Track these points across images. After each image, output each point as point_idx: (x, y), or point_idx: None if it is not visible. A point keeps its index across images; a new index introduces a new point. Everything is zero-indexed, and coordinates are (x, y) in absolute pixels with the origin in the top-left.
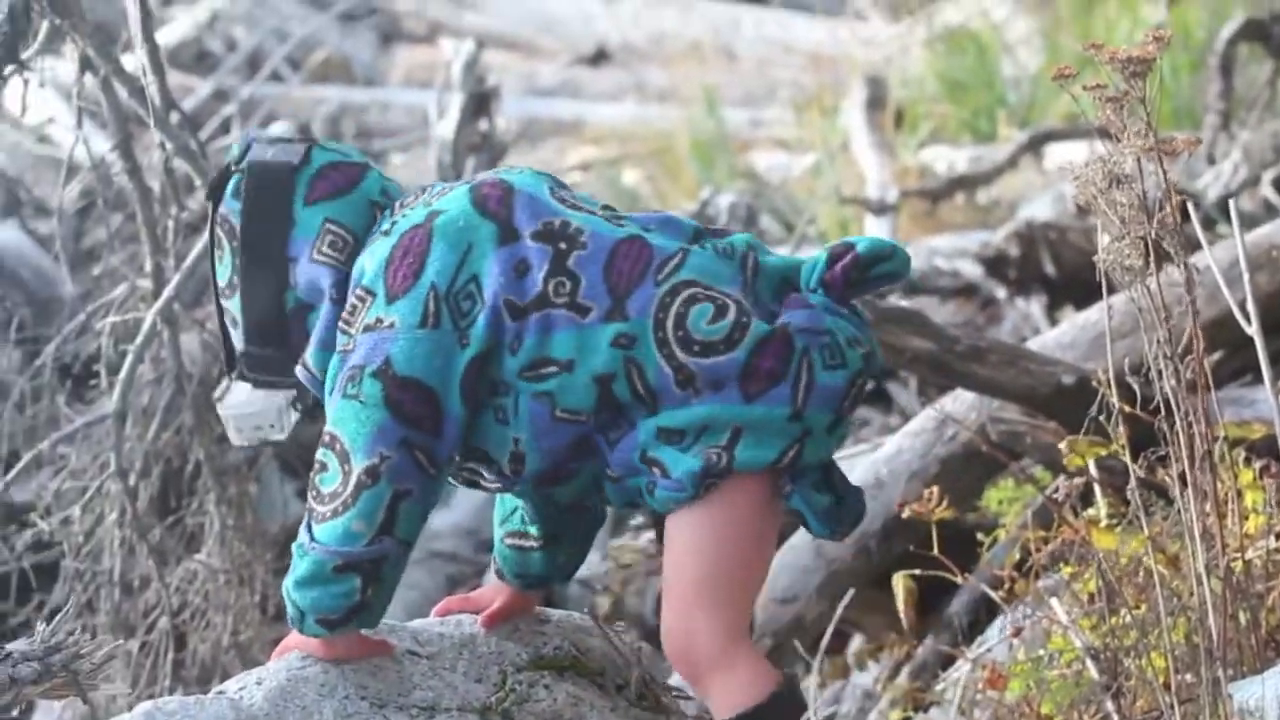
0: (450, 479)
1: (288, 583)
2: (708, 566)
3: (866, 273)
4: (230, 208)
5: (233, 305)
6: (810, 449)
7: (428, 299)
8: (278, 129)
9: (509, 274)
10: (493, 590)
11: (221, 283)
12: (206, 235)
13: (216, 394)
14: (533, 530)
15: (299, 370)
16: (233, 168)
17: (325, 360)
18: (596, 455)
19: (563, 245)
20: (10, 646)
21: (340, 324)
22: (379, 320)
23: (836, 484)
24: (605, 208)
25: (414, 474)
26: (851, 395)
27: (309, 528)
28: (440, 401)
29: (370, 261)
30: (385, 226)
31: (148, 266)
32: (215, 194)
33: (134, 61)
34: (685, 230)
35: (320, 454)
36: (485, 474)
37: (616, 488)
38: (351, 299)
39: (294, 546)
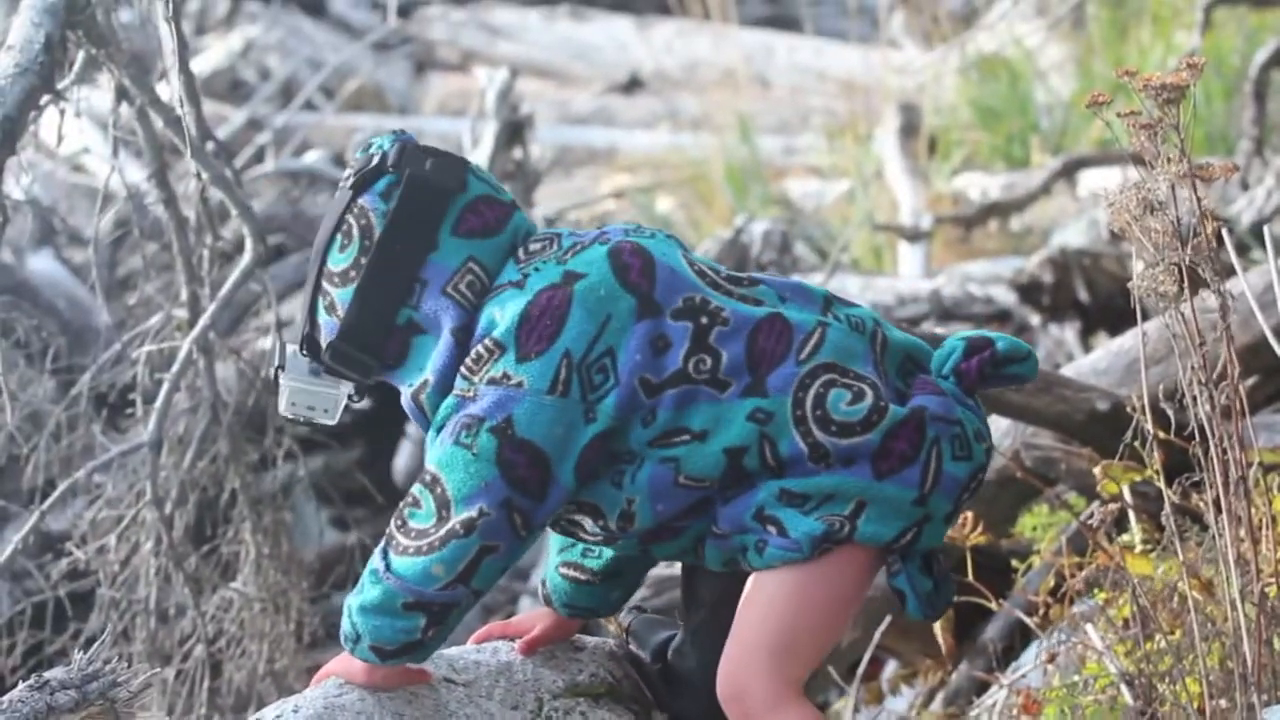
0: (551, 528)
1: (352, 602)
2: (789, 624)
3: (998, 370)
4: (374, 205)
5: (340, 295)
6: (927, 534)
7: (560, 365)
8: (312, 157)
9: (646, 351)
10: (532, 617)
11: (334, 268)
12: (333, 216)
13: (277, 360)
14: (591, 565)
15: (407, 404)
16: (389, 167)
17: (437, 397)
18: (708, 514)
19: (704, 320)
20: (48, 674)
21: (462, 369)
22: (506, 376)
23: (935, 571)
24: (729, 277)
25: (506, 534)
26: (971, 488)
27: (386, 555)
28: (552, 469)
29: (501, 313)
30: (516, 277)
31: (183, 295)
32: (360, 184)
33: (169, 91)
34: (816, 299)
35: (416, 489)
36: (588, 526)
37: (718, 545)
38: (478, 348)
39: (367, 570)
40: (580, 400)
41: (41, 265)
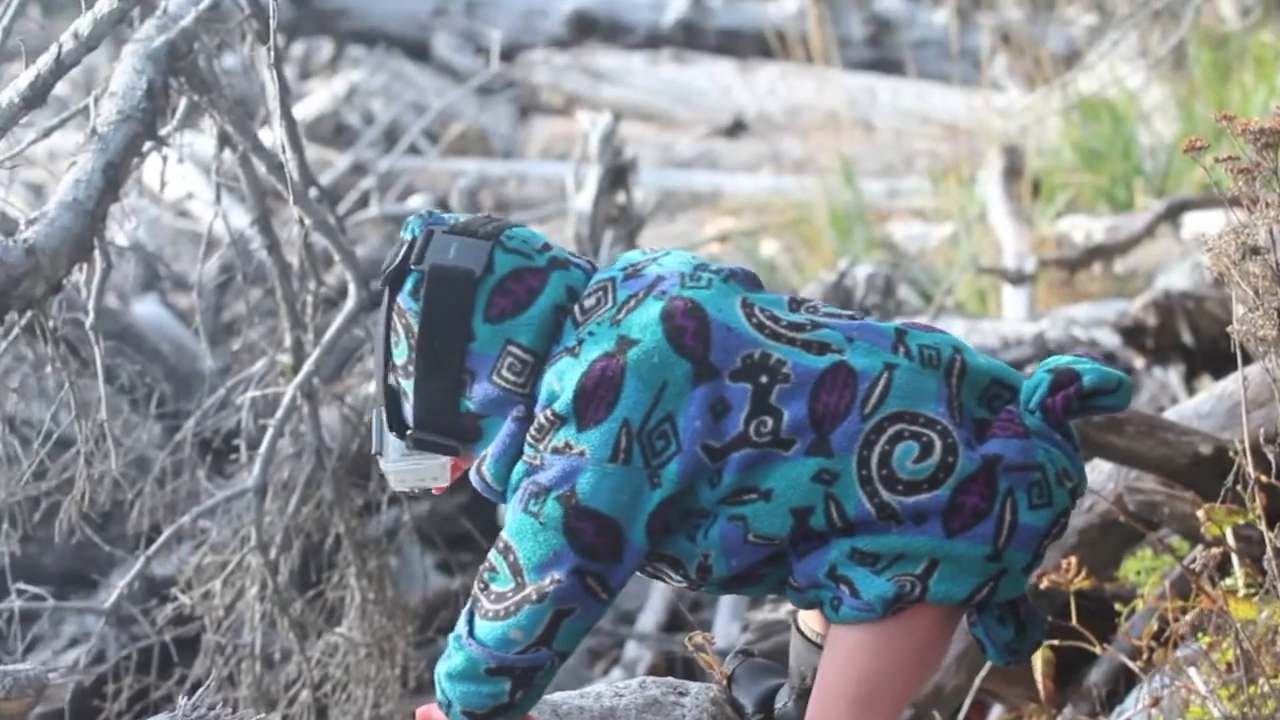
0: (639, 572)
1: (440, 670)
2: (863, 678)
3: (1088, 402)
4: (408, 305)
5: (407, 387)
6: (1004, 587)
7: (620, 434)
8: (416, 202)
9: (706, 417)
10: None
11: (398, 363)
12: (383, 313)
13: (375, 447)
14: None
15: (473, 478)
16: (412, 265)
17: (501, 472)
18: (784, 565)
19: (764, 379)
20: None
21: (528, 437)
22: (568, 445)
23: (1020, 614)
24: (793, 302)
25: (581, 598)
26: (1052, 535)
27: (470, 619)
28: (623, 533)
29: (559, 384)
30: (571, 343)
31: (287, 341)
32: (393, 283)
33: (272, 137)
34: (886, 335)
35: (493, 557)
36: (671, 574)
37: (797, 596)
38: (541, 418)
39: (451, 637)
40: (644, 467)
41: (146, 310)
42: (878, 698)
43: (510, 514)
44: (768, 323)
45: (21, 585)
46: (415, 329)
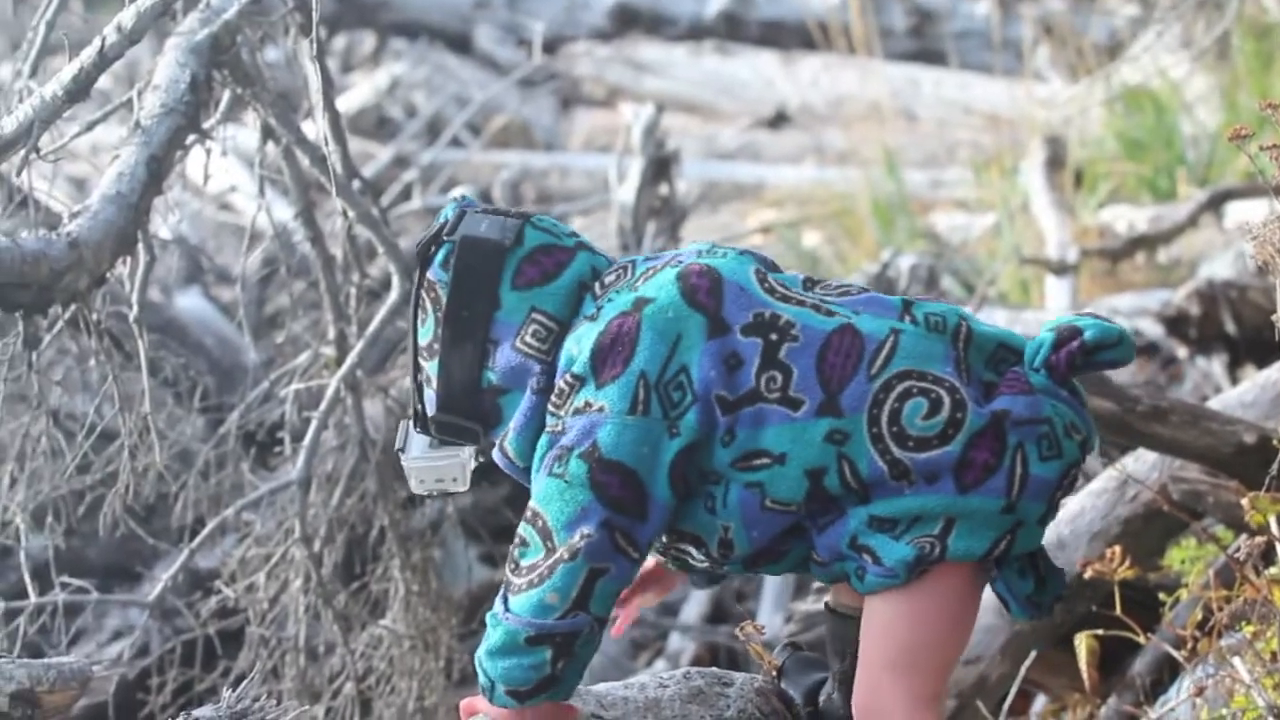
0: (662, 556)
1: (480, 652)
2: (902, 645)
3: (1091, 358)
4: (438, 277)
5: (430, 368)
6: (1022, 539)
7: (637, 386)
8: (459, 194)
9: (720, 368)
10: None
11: (422, 343)
12: (412, 293)
13: (399, 443)
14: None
15: (496, 455)
16: (445, 236)
17: (525, 448)
18: (805, 539)
19: (774, 337)
20: (198, 712)
21: (549, 407)
22: (588, 404)
23: (1040, 568)
24: (807, 280)
25: (612, 554)
26: (1065, 486)
27: (504, 599)
28: (645, 487)
29: (578, 348)
30: (590, 311)
31: (331, 333)
32: (424, 257)
33: (315, 129)
34: (893, 306)
35: (522, 529)
36: (694, 554)
37: (822, 570)
38: (560, 383)
39: (488, 616)
40: (662, 418)
41: (189, 303)
42: (920, 662)
43: (536, 484)
44: (778, 288)
45: (65, 579)
46: (443, 299)
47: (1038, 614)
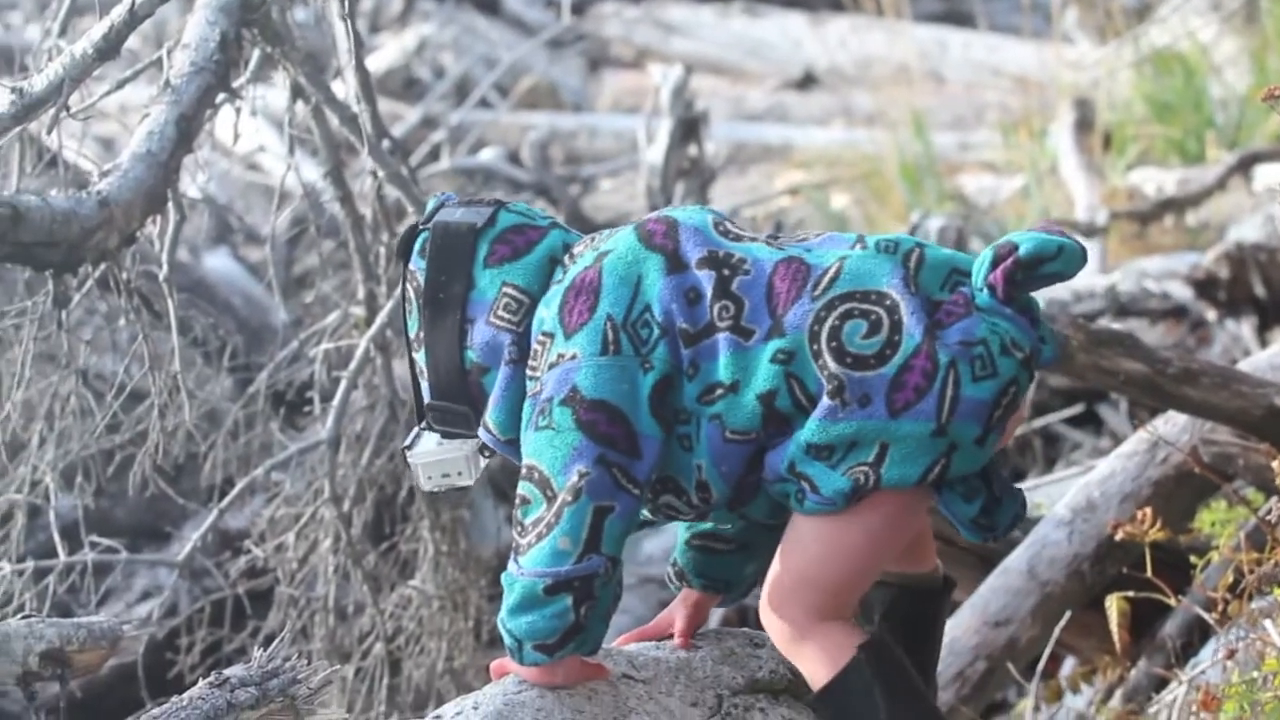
0: (653, 515)
1: (502, 615)
2: (823, 563)
3: (1032, 273)
4: (417, 265)
5: (420, 358)
6: (958, 462)
7: (605, 329)
8: (487, 155)
9: (681, 302)
10: (669, 613)
11: (412, 336)
12: (399, 289)
13: (406, 442)
14: (725, 531)
15: (481, 432)
16: (421, 226)
17: (505, 419)
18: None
19: (725, 271)
20: (228, 672)
21: (527, 372)
22: (560, 356)
23: (993, 489)
24: (771, 237)
25: (614, 490)
26: (1003, 405)
27: (516, 560)
28: (632, 423)
29: (547, 311)
30: (559, 277)
31: (360, 293)
32: (404, 250)
33: (344, 89)
34: (847, 240)
35: (521, 488)
36: (679, 505)
37: (767, 490)
38: (534, 345)
39: (503, 578)
40: (634, 354)
41: (218, 264)
42: (833, 582)
43: (525, 442)
44: (733, 230)
45: (94, 538)
46: (423, 285)
47: (990, 536)
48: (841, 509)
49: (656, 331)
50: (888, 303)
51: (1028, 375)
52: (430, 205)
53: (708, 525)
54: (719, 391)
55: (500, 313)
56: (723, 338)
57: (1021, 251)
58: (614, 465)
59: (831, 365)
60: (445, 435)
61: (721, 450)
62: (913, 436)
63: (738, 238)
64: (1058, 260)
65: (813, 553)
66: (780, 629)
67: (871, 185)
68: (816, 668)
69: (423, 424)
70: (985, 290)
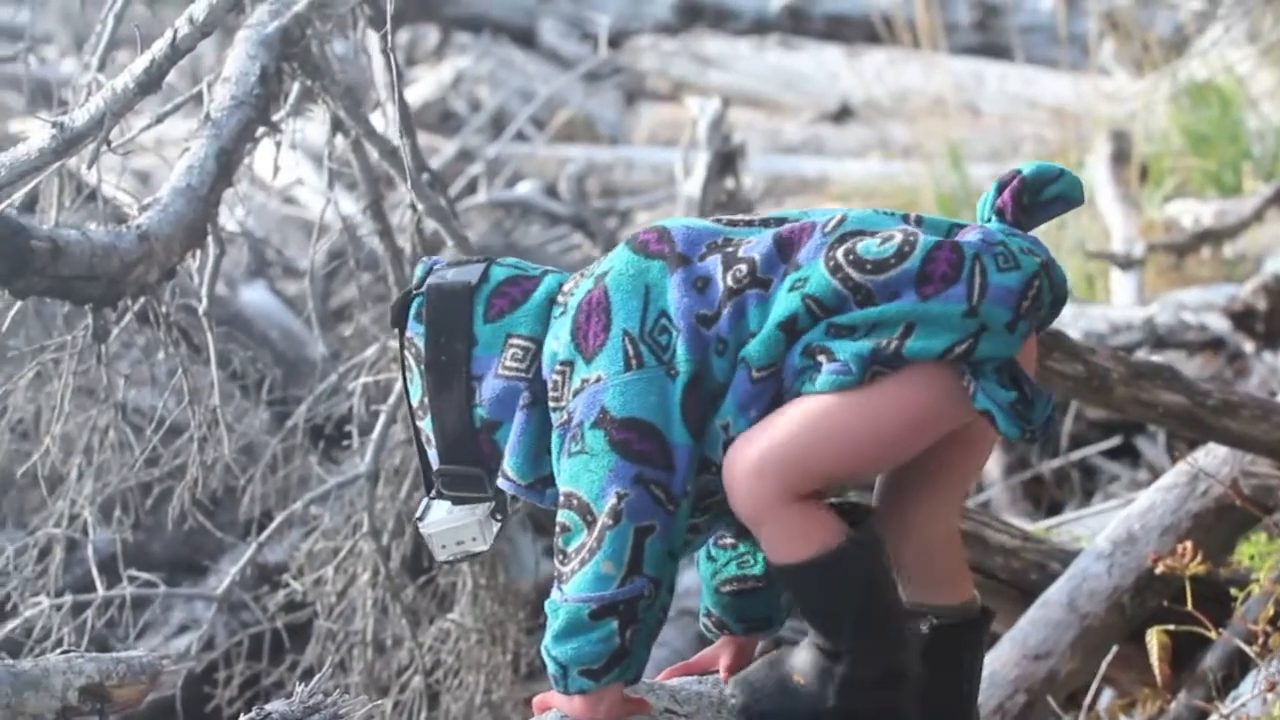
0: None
1: (546, 641)
2: (810, 442)
3: (1037, 196)
4: (415, 331)
5: (426, 426)
6: (986, 343)
7: (624, 345)
8: (524, 188)
9: (692, 293)
10: (714, 650)
11: (415, 405)
12: (400, 360)
13: (417, 513)
14: (754, 571)
15: (501, 481)
16: (414, 292)
17: (524, 464)
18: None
19: (730, 249)
20: (270, 707)
21: (550, 405)
22: (584, 381)
23: (1022, 383)
24: (762, 220)
25: (653, 509)
26: (1030, 295)
27: (559, 588)
28: (664, 435)
29: (557, 342)
30: (558, 312)
31: None
32: (399, 319)
33: (383, 122)
34: (838, 210)
35: (561, 516)
36: (715, 480)
37: (786, 397)
38: (552, 378)
39: (547, 606)
40: (658, 363)
41: (256, 297)
42: (816, 465)
43: (561, 471)
44: (727, 219)
45: (133, 572)
46: (423, 350)
47: (1029, 431)
48: (856, 378)
49: (674, 333)
50: (895, 227)
51: (1048, 279)
52: (419, 271)
53: (731, 570)
54: (749, 343)
55: (509, 364)
56: (747, 296)
57: (1026, 173)
58: (652, 482)
59: (854, 275)
60: (456, 501)
61: (749, 392)
62: (942, 315)
63: (733, 224)
64: (1060, 182)
65: (805, 427)
66: (747, 499)
67: None
68: (792, 543)
69: (432, 493)
70: (993, 219)
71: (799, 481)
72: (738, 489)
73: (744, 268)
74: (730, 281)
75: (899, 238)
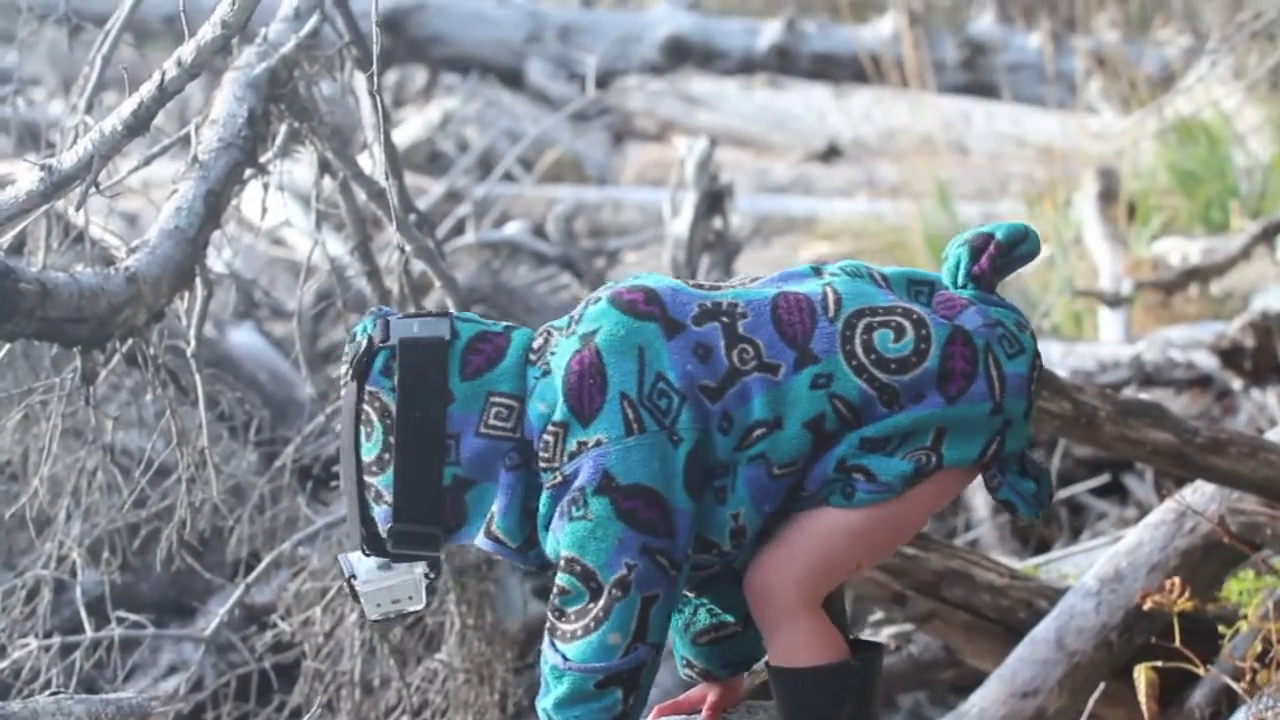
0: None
1: (545, 704)
2: (833, 556)
3: (1008, 256)
4: (380, 385)
5: (380, 482)
6: (1012, 439)
7: (623, 408)
8: (512, 228)
9: (693, 360)
10: (701, 689)
11: (368, 459)
12: (350, 412)
13: (346, 572)
14: (729, 619)
15: (483, 541)
16: (378, 344)
17: (514, 526)
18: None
19: (725, 319)
20: None
21: (540, 465)
22: (581, 444)
23: (1030, 469)
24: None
25: (659, 578)
26: (1035, 379)
27: (556, 648)
28: (667, 502)
29: (545, 403)
30: (538, 373)
31: None
32: (361, 372)
33: (371, 163)
34: (805, 272)
35: (561, 579)
36: (708, 559)
37: (804, 504)
38: (544, 439)
39: (545, 669)
40: (660, 429)
41: (243, 338)
42: (835, 572)
43: (559, 536)
44: (705, 284)
45: (121, 614)
46: (392, 405)
47: (1042, 511)
48: (898, 494)
49: (676, 399)
50: (899, 310)
51: (1038, 351)
52: (366, 323)
53: (704, 620)
54: (759, 432)
55: (493, 422)
56: (753, 379)
57: (1000, 236)
58: (657, 551)
59: (880, 376)
60: (396, 559)
61: (766, 488)
62: (971, 418)
63: (714, 288)
64: (1028, 242)
65: (837, 543)
66: (771, 604)
67: (896, 256)
68: (800, 651)
69: (365, 550)
70: (970, 285)
71: (825, 590)
72: (772, 599)
73: (749, 350)
74: (736, 361)
75: (911, 331)
